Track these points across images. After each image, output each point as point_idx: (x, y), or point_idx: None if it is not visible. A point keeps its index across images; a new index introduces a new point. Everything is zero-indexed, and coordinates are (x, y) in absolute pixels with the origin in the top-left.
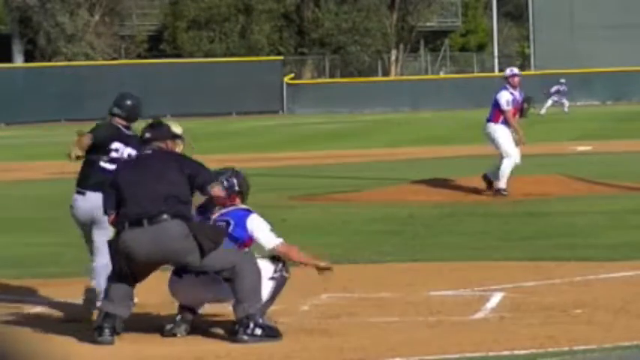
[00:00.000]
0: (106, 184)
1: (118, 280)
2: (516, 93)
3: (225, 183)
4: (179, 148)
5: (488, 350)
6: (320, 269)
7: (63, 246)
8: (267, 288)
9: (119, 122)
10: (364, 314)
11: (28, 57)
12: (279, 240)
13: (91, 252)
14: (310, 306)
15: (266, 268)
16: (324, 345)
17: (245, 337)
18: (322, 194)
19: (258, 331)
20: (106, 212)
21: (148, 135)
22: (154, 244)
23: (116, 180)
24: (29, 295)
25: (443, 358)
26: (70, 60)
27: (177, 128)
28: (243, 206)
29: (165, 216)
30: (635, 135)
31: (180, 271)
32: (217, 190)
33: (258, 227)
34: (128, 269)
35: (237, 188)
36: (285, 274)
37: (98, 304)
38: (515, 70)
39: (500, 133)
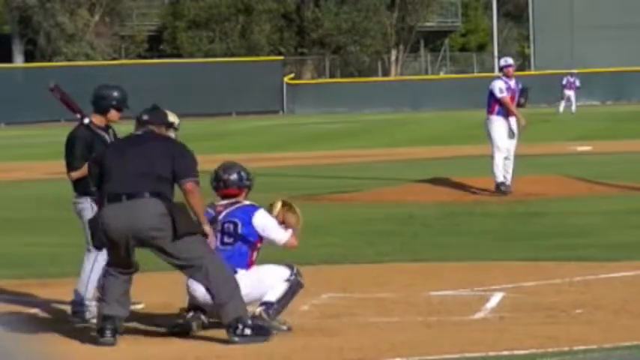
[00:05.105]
0: (90, 162)
1: (112, 276)
2: (511, 82)
3: (236, 175)
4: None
5: (488, 350)
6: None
7: (62, 246)
8: (280, 289)
9: (96, 122)
10: (364, 314)
11: (28, 57)
12: (289, 232)
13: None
14: (310, 306)
15: (282, 271)
16: (324, 345)
17: (235, 339)
18: (322, 194)
19: (248, 331)
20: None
21: (145, 117)
22: (129, 219)
23: (100, 158)
24: (29, 295)
25: (443, 358)
26: (70, 60)
27: (173, 117)
28: (247, 202)
29: (144, 193)
30: (635, 135)
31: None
32: (190, 186)
33: (266, 225)
34: (108, 247)
35: (247, 182)
36: (300, 279)
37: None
38: (510, 61)
39: (494, 125)
